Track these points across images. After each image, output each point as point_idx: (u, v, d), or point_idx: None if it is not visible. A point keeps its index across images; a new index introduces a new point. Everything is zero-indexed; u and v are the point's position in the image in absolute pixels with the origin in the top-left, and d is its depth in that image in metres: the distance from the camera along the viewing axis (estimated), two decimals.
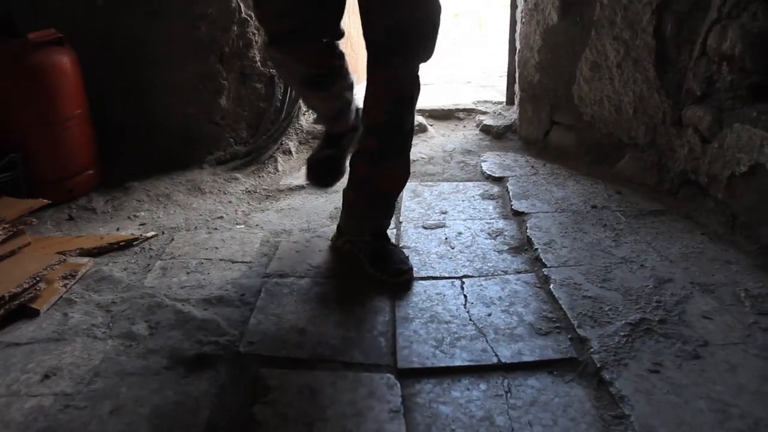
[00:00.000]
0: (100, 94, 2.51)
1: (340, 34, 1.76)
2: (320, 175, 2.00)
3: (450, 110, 3.41)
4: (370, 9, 1.66)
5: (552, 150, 2.85)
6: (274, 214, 2.28)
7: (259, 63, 2.72)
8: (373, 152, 1.79)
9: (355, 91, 1.99)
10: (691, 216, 2.17)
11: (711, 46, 2.08)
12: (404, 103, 1.76)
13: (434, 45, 1.72)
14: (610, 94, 2.53)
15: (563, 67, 2.70)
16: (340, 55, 1.80)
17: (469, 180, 2.59)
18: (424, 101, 3.53)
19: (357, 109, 2.05)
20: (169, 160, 2.63)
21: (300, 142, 2.91)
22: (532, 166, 2.70)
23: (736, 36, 1.97)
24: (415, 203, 2.33)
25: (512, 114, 3.20)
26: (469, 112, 3.44)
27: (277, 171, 2.66)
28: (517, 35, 3.07)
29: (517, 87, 3.08)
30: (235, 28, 2.61)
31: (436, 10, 1.68)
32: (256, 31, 2.67)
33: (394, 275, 1.75)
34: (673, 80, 2.28)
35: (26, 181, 2.25)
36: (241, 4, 2.60)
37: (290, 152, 2.80)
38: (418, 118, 3.27)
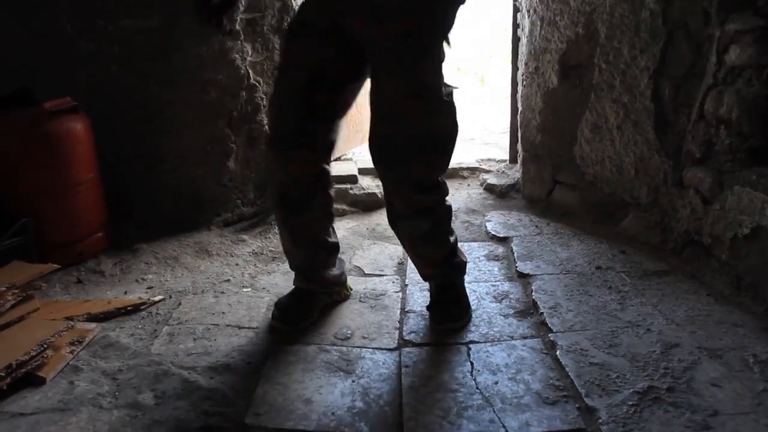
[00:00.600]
0: (111, 157, 2.57)
1: (332, 144, 1.81)
2: (284, 321, 1.88)
3: (454, 169, 3.46)
4: (372, 116, 1.68)
5: (555, 209, 2.87)
6: (281, 276, 2.29)
7: (266, 126, 2.78)
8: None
9: (338, 245, 1.98)
10: (696, 276, 2.17)
11: (708, 110, 2.13)
12: (423, 216, 1.76)
13: (439, 160, 1.71)
14: (611, 155, 2.57)
15: (564, 128, 2.76)
16: (325, 175, 1.85)
17: (474, 240, 2.61)
18: None
19: (341, 267, 2.01)
20: (177, 222, 2.67)
21: None
22: (536, 226, 2.72)
23: (732, 101, 2.02)
24: None
25: (515, 173, 3.25)
26: (473, 170, 3.49)
27: None
28: (518, 96, 3.14)
29: (519, 146, 3.14)
30: (244, 94, 2.68)
31: (442, 125, 1.66)
32: (264, 96, 2.75)
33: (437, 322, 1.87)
34: (673, 142, 2.33)
35: (36, 244, 2.28)
36: (250, 71, 2.68)
37: None
38: None
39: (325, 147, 1.80)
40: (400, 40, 1.56)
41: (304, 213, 1.82)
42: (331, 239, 1.94)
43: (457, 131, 1.70)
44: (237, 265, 2.42)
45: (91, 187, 2.42)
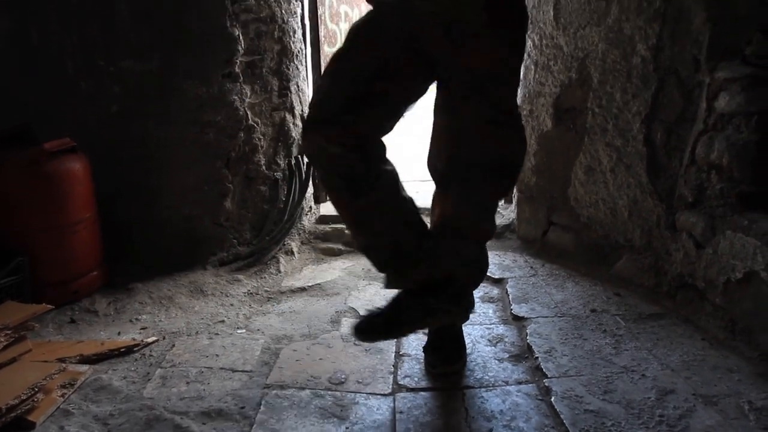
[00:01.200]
0: (109, 196, 2.58)
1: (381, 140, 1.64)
2: (368, 329, 1.65)
3: None
4: (440, 136, 1.67)
5: (550, 249, 2.88)
6: (276, 317, 2.29)
7: (264, 167, 2.81)
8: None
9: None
10: (691, 320, 2.17)
11: (700, 155, 2.16)
12: (478, 243, 1.73)
13: (510, 185, 1.69)
14: (605, 197, 2.60)
15: (559, 170, 2.79)
16: (383, 148, 1.64)
17: None
18: (423, 201, 3.62)
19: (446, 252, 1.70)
20: (172, 261, 2.67)
21: (302, 242, 2.96)
22: (531, 267, 2.73)
23: (722, 147, 2.05)
24: None
25: (510, 213, 3.26)
26: None
27: (279, 272, 2.69)
28: None
29: (514, 187, 3.16)
30: (242, 135, 2.71)
31: (516, 151, 1.64)
32: (261, 137, 2.78)
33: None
34: (666, 185, 2.35)
35: (31, 282, 2.28)
36: (248, 112, 2.72)
37: (292, 252, 2.85)
38: None
39: (375, 130, 1.60)
40: (486, 66, 1.52)
41: (378, 184, 1.58)
42: (414, 218, 1.69)
43: (525, 155, 1.68)
44: (232, 305, 2.41)
45: (88, 226, 2.43)
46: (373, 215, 1.61)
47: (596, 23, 2.49)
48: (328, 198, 1.72)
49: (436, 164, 1.73)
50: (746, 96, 1.98)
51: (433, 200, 1.84)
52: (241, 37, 2.63)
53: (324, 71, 1.65)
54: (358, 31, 1.57)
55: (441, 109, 1.68)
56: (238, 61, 2.64)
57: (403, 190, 1.67)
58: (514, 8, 1.56)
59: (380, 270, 1.70)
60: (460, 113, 1.60)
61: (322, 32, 3.21)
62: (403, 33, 1.53)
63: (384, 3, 1.58)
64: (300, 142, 1.70)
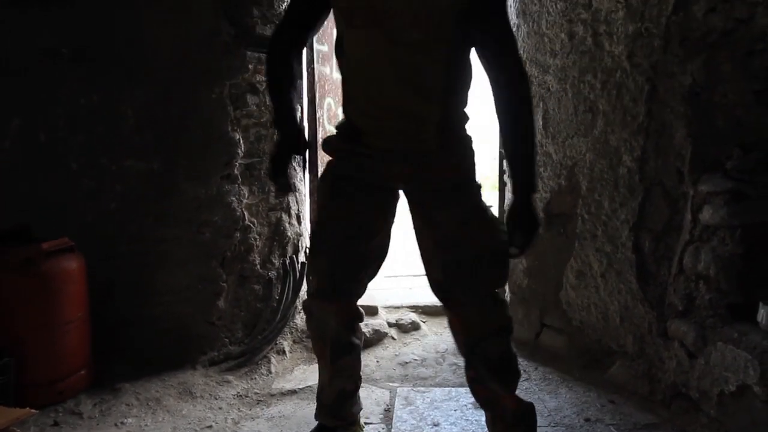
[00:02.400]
0: (102, 291, 2.58)
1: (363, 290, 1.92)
2: None
3: (442, 306, 3.47)
4: (428, 250, 1.76)
5: (543, 352, 2.87)
6: (265, 423, 2.24)
7: (258, 266, 2.84)
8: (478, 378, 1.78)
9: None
10: (686, 430, 2.14)
11: (687, 265, 2.21)
12: (502, 334, 1.75)
13: (504, 271, 1.75)
14: (596, 302, 2.62)
15: (550, 273, 2.82)
16: (360, 311, 1.99)
17: (461, 385, 2.57)
18: (416, 297, 3.64)
19: (359, 403, 2.08)
20: (162, 360, 2.64)
21: (294, 341, 2.94)
22: (525, 370, 2.70)
23: (708, 258, 2.10)
24: (407, 413, 2.31)
25: None
26: None
27: (270, 372, 2.66)
28: None
29: (507, 288, 3.18)
30: (238, 234, 2.76)
31: (498, 238, 1.71)
32: (257, 236, 2.82)
33: None
34: (656, 293, 2.38)
35: (17, 383, 2.24)
36: (245, 213, 2.77)
37: (284, 352, 2.82)
38: (410, 315, 3.34)
39: (365, 288, 1.93)
40: (451, 185, 1.73)
41: (351, 352, 1.93)
42: (359, 373, 2.03)
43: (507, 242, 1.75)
44: (220, 408, 2.36)
45: (78, 325, 2.42)
46: (341, 370, 1.92)
47: (583, 134, 2.60)
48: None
49: (437, 278, 1.76)
50: (729, 210, 2.05)
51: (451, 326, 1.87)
52: (241, 141, 2.73)
53: (315, 231, 1.95)
54: (328, 193, 1.82)
55: (419, 230, 1.80)
56: (237, 163, 2.72)
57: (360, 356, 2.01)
58: (459, 137, 1.79)
59: (321, 405, 1.99)
60: (440, 223, 1.73)
61: (320, 134, 3.32)
62: (371, 179, 1.76)
63: (341, 156, 1.80)
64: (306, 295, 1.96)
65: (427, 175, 1.74)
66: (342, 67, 1.78)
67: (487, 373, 1.74)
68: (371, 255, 1.84)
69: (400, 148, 1.72)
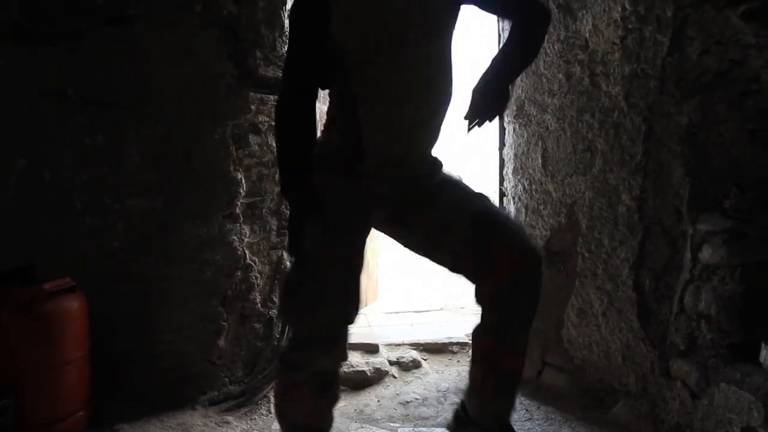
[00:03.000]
0: (103, 329, 2.58)
1: None
2: None
3: (444, 344, 3.47)
4: (442, 223, 1.79)
5: (545, 391, 2.85)
6: None
7: (259, 304, 2.84)
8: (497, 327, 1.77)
9: None
10: None
11: (688, 304, 2.20)
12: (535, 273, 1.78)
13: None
14: (598, 340, 2.61)
15: (552, 311, 2.81)
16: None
17: None
18: (418, 334, 3.63)
19: None
20: (161, 399, 2.62)
21: None
22: (527, 410, 2.68)
23: (709, 298, 2.10)
24: None
25: None
26: (463, 345, 3.49)
27: (270, 413, 2.63)
28: None
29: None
30: (239, 273, 2.76)
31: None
32: (258, 275, 2.83)
33: None
34: (657, 332, 2.37)
35: (15, 425, 2.22)
36: (247, 252, 2.79)
37: None
38: (411, 353, 3.32)
39: None
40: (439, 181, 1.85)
41: (334, 391, 1.80)
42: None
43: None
44: None
45: (78, 365, 2.41)
46: (320, 413, 1.79)
47: (582, 173, 2.62)
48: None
49: (464, 235, 1.74)
50: (728, 249, 2.05)
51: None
52: (243, 181, 2.75)
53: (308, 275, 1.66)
54: (327, 233, 1.65)
55: (419, 225, 1.82)
56: (239, 203, 2.75)
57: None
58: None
59: None
60: (437, 214, 1.78)
61: None
62: (364, 219, 1.75)
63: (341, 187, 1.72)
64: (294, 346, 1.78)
65: (425, 184, 1.81)
66: (347, 98, 1.72)
67: (513, 317, 1.75)
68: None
69: (409, 163, 1.76)
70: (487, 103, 1.67)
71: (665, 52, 2.29)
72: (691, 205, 2.24)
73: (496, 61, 1.76)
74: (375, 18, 1.62)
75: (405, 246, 1.92)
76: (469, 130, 1.71)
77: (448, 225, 1.76)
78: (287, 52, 1.71)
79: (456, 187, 1.85)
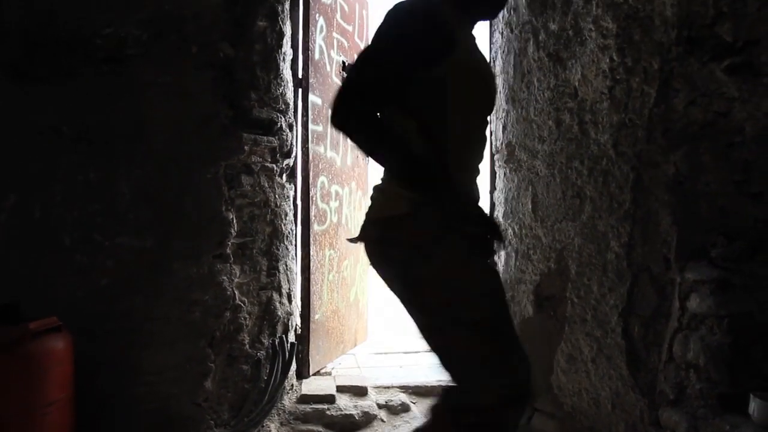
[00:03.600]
0: (87, 370, 2.54)
1: None
2: None
3: (433, 387, 3.43)
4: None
5: None
6: None
7: (247, 345, 2.82)
8: None
9: None
10: None
11: (677, 353, 2.20)
12: None
13: None
14: (587, 387, 2.59)
15: (541, 356, 2.80)
16: None
17: None
18: (407, 377, 3.59)
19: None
20: None
21: (281, 423, 2.88)
22: None
23: (697, 347, 2.10)
24: None
25: None
26: None
27: None
28: None
29: None
30: (228, 314, 2.75)
31: None
32: (247, 316, 2.81)
33: None
34: (646, 380, 2.36)
35: None
36: (236, 292, 2.77)
37: None
38: (400, 396, 3.29)
39: None
40: None
41: None
42: None
43: None
44: None
45: (61, 407, 2.36)
46: None
47: (572, 219, 2.65)
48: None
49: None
50: (716, 299, 2.07)
51: None
52: (234, 221, 2.76)
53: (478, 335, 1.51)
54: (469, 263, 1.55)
55: None
56: (230, 243, 2.75)
57: None
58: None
59: None
60: None
61: (312, 212, 3.37)
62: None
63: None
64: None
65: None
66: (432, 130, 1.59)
67: None
68: None
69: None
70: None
71: (652, 102, 2.34)
72: (678, 254, 2.26)
73: None
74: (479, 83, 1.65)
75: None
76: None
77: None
78: (377, 60, 1.53)
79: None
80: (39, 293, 2.57)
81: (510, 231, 3.01)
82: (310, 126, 3.35)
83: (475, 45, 1.73)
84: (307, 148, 3.33)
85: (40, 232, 2.67)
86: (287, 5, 3.06)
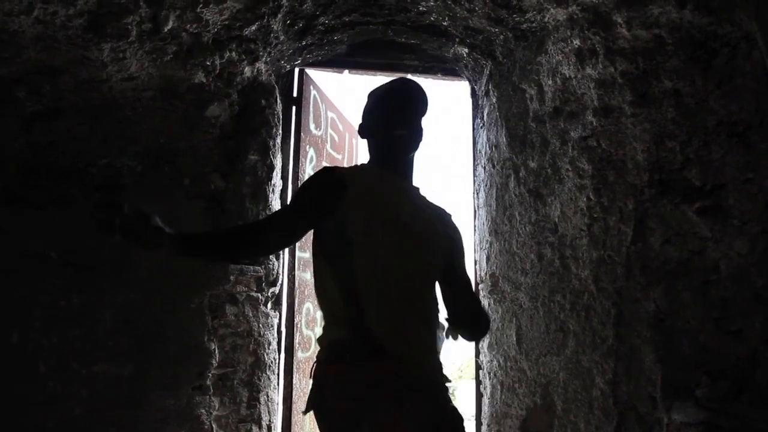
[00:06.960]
0: None
1: None
2: None
3: None
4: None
5: None
6: None
7: None
8: None
9: None
10: None
11: None
12: None
13: None
14: None
15: None
16: None
17: None
18: None
19: None
20: None
21: None
22: None
23: None
24: None
25: None
26: None
27: None
28: None
29: None
30: None
31: None
32: None
33: None
34: None
35: None
36: (214, 425, 2.68)
37: None
38: None
39: None
40: None
41: None
42: None
43: None
44: None
45: None
46: None
47: (556, 353, 2.64)
48: None
49: None
50: None
51: None
52: (216, 351, 2.72)
53: None
54: None
55: None
56: (210, 374, 2.69)
57: None
58: None
59: None
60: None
61: (297, 339, 3.33)
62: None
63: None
64: None
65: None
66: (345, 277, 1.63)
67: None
68: None
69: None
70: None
71: (629, 240, 2.42)
72: (664, 392, 2.24)
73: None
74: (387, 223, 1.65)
75: None
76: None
77: None
78: (278, 211, 1.77)
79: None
80: (7, 421, 2.46)
81: (495, 363, 2.98)
82: (297, 253, 3.39)
83: (409, 200, 1.73)
84: (294, 275, 3.35)
85: (15, 358, 2.61)
86: (279, 140, 3.20)
